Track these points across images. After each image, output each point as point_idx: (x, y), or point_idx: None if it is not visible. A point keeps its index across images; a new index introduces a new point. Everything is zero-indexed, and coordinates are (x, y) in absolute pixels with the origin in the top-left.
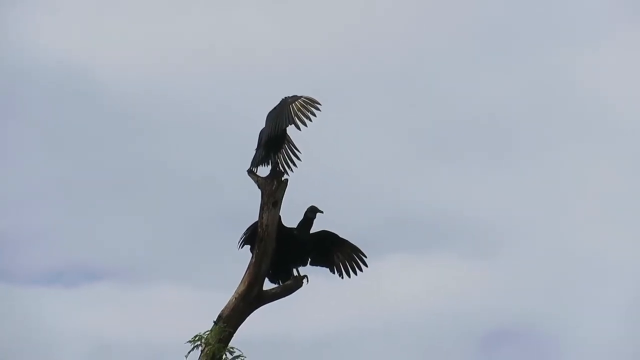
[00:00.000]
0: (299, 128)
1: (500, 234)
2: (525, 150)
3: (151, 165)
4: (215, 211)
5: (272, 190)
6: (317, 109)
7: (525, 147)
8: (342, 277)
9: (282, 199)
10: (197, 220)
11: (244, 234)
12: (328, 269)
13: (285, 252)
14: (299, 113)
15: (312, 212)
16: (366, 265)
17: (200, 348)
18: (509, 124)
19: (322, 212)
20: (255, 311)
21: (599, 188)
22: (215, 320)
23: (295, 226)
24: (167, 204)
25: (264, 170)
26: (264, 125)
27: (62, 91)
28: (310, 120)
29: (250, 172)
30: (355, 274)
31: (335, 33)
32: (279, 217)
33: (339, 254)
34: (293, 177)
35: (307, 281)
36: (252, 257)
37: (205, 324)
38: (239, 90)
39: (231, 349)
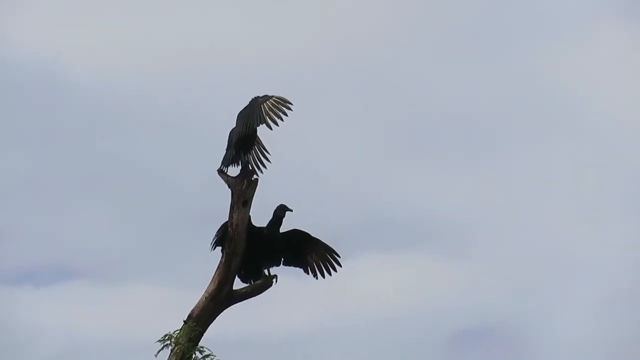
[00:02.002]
0: (270, 128)
1: (473, 234)
2: (500, 151)
3: (124, 164)
4: (185, 210)
5: (242, 189)
6: (289, 108)
7: (500, 148)
8: (317, 278)
9: (252, 199)
10: (168, 220)
11: (216, 235)
12: (302, 270)
13: (256, 251)
14: (270, 113)
15: (281, 211)
16: (340, 265)
17: (170, 347)
18: (484, 124)
19: (291, 210)
20: (225, 310)
21: (572, 189)
22: (185, 319)
23: (265, 226)
24: (139, 202)
25: (234, 170)
26: (234, 125)
27: (33, 88)
28: (282, 119)
29: (221, 172)
30: (330, 274)
31: (307, 32)
32: (249, 216)
33: (312, 254)
34: (264, 177)
35: (276, 281)
36: (222, 256)
37: (175, 323)
38: (210, 89)
39: (201, 349)
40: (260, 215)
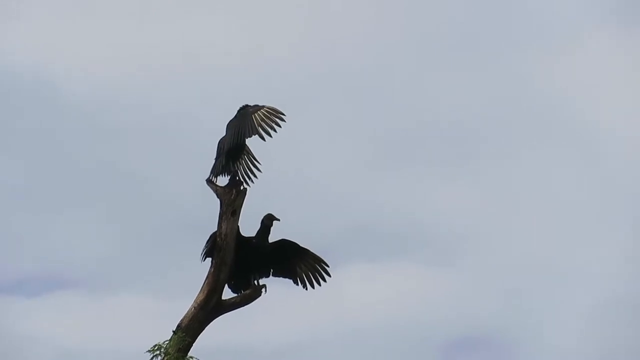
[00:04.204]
0: (263, 139)
1: (462, 242)
2: (486, 158)
3: (112, 174)
4: (175, 220)
5: (231, 199)
6: (282, 119)
7: (486, 155)
8: (306, 289)
9: (241, 208)
10: (158, 229)
11: (205, 246)
12: (291, 281)
13: (245, 261)
14: (263, 124)
15: (268, 220)
16: (329, 275)
17: (159, 358)
18: (471, 131)
19: (278, 219)
20: (214, 320)
21: (559, 196)
22: (174, 329)
23: (253, 235)
24: (129, 212)
25: (223, 180)
26: (224, 134)
27: (25, 97)
28: (275, 130)
29: (209, 182)
30: (319, 284)
31: (296, 39)
32: (238, 226)
33: (301, 265)
34: (253, 186)
35: (266, 291)
36: (211, 266)
37: (165, 334)
38: (199, 98)
39: (190, 359)
40: (248, 224)
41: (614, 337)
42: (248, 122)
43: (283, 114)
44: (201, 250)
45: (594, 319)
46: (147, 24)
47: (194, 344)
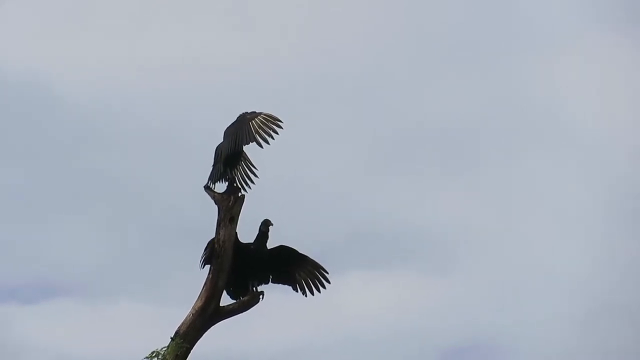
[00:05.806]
0: (260, 146)
1: (459, 249)
2: (486, 162)
3: (109, 180)
4: (173, 227)
5: (229, 206)
6: (279, 126)
7: (486, 159)
8: (306, 295)
9: (239, 215)
10: (155, 236)
11: (204, 252)
12: (291, 288)
13: (243, 267)
14: (260, 130)
15: (265, 226)
16: (329, 282)
17: None
18: (468, 137)
19: (272, 224)
20: (212, 327)
21: (556, 201)
22: (172, 336)
23: (252, 242)
24: (125, 219)
25: (221, 186)
26: (221, 140)
27: (19, 104)
28: (272, 137)
29: (207, 188)
30: (319, 291)
31: (292, 44)
32: (236, 233)
33: (300, 272)
34: (250, 192)
35: (263, 297)
36: (209, 273)
37: (163, 340)
38: (196, 104)
39: None
40: (247, 231)
41: (608, 342)
42: (245, 128)
43: (280, 121)
44: (200, 257)
45: (588, 325)
46: (146, 27)
47: (191, 351)
